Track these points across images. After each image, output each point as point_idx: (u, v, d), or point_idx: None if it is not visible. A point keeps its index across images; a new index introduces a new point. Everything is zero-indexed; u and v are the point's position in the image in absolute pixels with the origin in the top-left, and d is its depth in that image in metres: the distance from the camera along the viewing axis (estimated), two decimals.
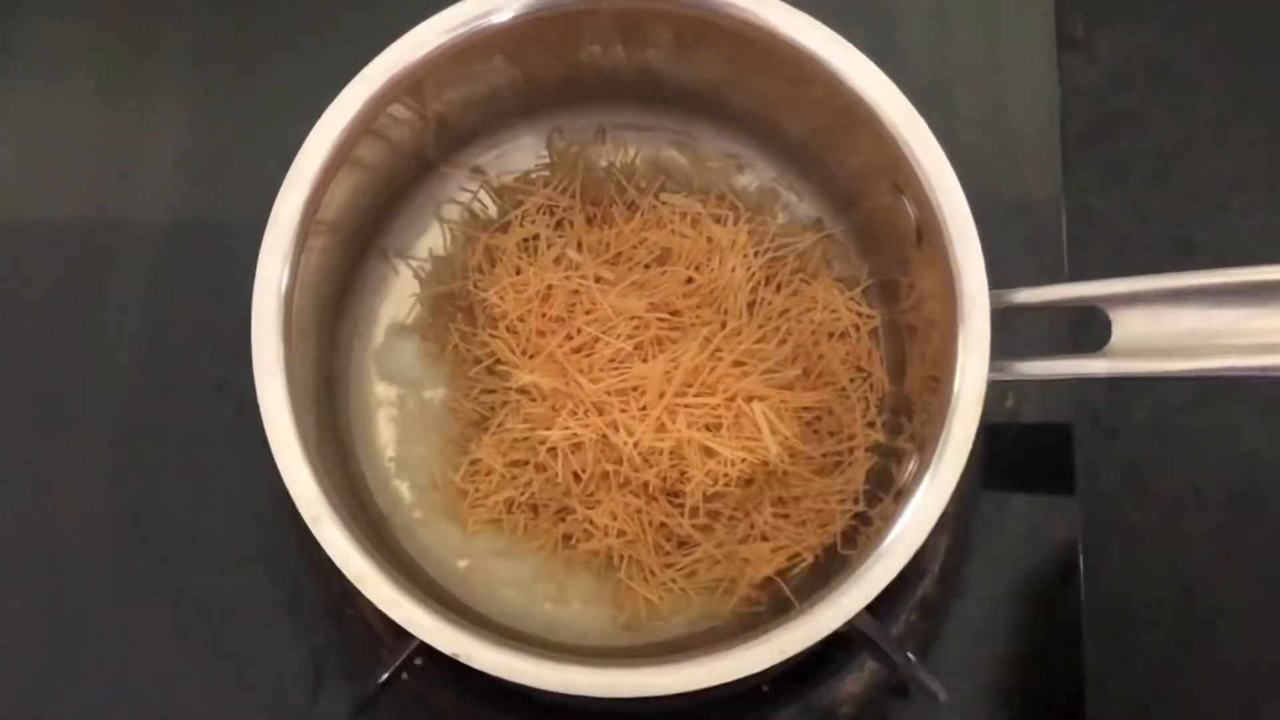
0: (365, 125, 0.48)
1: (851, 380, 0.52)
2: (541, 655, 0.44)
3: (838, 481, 0.51)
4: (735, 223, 0.54)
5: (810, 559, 0.51)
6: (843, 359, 0.52)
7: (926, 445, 0.45)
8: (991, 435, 0.48)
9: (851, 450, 0.52)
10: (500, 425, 0.52)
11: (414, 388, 0.54)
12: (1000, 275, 0.47)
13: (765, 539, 0.51)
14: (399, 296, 0.55)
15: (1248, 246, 0.64)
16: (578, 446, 0.50)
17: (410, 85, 0.48)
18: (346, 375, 0.54)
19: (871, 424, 0.52)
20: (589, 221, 0.54)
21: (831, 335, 0.53)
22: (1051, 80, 0.58)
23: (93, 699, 0.53)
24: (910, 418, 0.51)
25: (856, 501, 0.51)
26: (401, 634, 0.44)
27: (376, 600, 0.44)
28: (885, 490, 0.50)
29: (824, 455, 0.52)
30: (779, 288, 0.53)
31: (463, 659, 0.43)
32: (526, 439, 0.51)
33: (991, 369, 0.45)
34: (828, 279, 0.54)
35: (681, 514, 0.50)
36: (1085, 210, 0.63)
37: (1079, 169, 0.63)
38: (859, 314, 0.53)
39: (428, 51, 0.48)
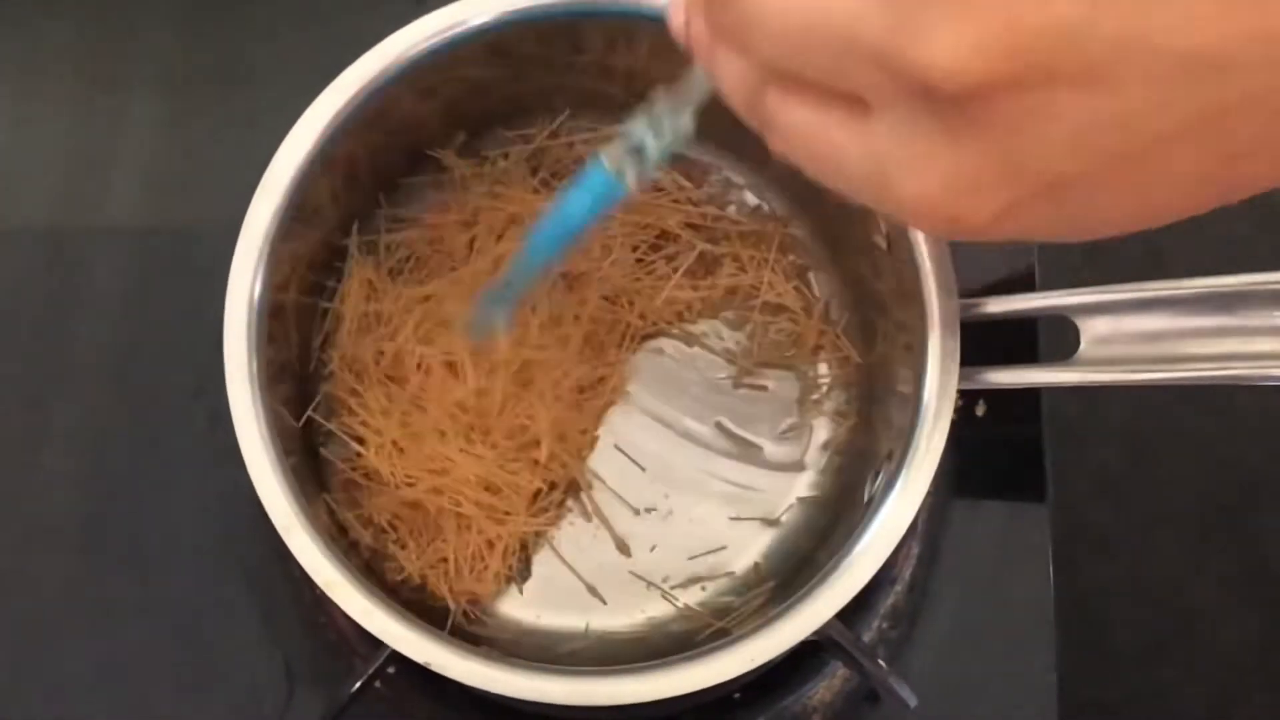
0: (338, 133, 0.48)
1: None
2: (513, 664, 0.44)
3: None
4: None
5: None
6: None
7: (895, 454, 0.46)
8: (962, 443, 0.49)
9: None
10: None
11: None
12: (970, 282, 0.47)
13: None
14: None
15: (1218, 253, 0.64)
16: None
17: (383, 94, 0.48)
18: (318, 380, 0.53)
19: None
20: None
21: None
22: None
23: (65, 707, 0.53)
24: (881, 426, 0.51)
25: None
26: (374, 642, 0.44)
27: (348, 609, 0.44)
28: (857, 494, 0.50)
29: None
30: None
31: (434, 668, 0.43)
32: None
33: (961, 378, 0.45)
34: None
35: None
36: None
37: None
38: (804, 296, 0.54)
39: (401, 60, 0.48)
